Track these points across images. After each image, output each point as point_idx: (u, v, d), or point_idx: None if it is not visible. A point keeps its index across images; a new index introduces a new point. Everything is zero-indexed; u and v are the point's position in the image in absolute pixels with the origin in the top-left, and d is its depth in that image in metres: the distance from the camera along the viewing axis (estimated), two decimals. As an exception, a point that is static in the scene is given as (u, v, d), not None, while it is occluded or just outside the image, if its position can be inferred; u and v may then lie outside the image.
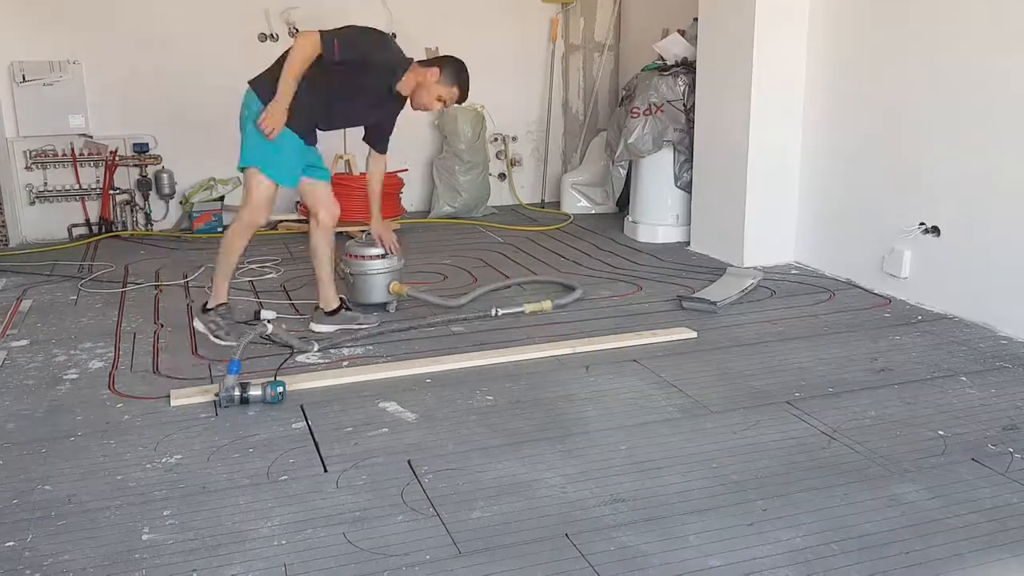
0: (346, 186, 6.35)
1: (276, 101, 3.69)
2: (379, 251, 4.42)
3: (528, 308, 4.41)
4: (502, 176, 7.58)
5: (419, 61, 4.01)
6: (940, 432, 3.06)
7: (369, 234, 4.48)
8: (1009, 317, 4.06)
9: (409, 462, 2.87)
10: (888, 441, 2.99)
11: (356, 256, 4.43)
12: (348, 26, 3.87)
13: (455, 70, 3.94)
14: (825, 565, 2.28)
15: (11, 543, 2.42)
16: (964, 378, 3.56)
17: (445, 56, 4.05)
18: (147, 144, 6.47)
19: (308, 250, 4.22)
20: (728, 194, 5.41)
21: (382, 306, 4.47)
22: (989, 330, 4.12)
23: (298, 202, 6.72)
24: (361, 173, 6.46)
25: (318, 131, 4.04)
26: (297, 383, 3.48)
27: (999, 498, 2.61)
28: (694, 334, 4.08)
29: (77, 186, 6.39)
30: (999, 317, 4.11)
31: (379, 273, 4.42)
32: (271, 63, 3.84)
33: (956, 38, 4.23)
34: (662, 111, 5.88)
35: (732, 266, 5.24)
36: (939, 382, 3.52)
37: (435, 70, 3.91)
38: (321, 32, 3.70)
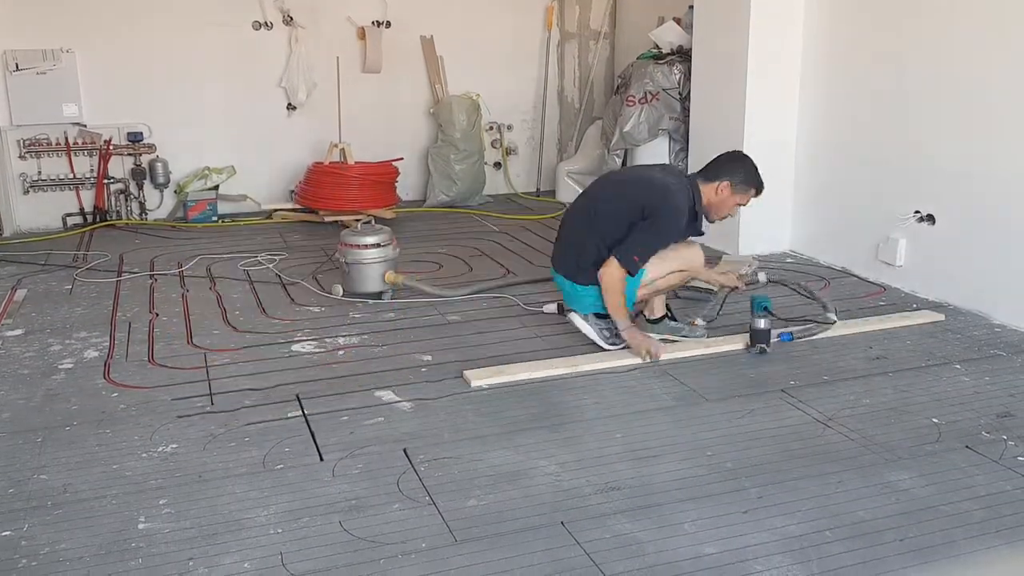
0: (341, 175, 6.33)
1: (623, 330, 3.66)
2: (374, 240, 4.41)
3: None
4: (497, 165, 7.56)
5: (699, 175, 3.73)
6: (934, 420, 3.07)
7: (367, 223, 4.43)
8: (1003, 305, 4.07)
9: (405, 451, 2.87)
10: (883, 429, 3.00)
11: (351, 245, 4.42)
12: (650, 231, 3.61)
13: (744, 175, 3.69)
14: (819, 552, 2.29)
15: (7, 532, 2.42)
16: (958, 366, 3.57)
17: (723, 160, 3.76)
18: (141, 133, 6.43)
19: None
20: (724, 182, 5.40)
21: (378, 295, 4.47)
22: (983, 318, 4.12)
23: (292, 191, 6.71)
24: (356, 162, 6.46)
25: None
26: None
27: (993, 485, 2.62)
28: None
29: (71, 175, 6.36)
30: (993, 305, 4.12)
31: (374, 262, 4.42)
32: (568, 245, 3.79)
33: (953, 26, 4.22)
34: (658, 99, 5.87)
35: (727, 254, 5.25)
36: (934, 370, 3.53)
37: (725, 184, 3.66)
38: (618, 257, 3.57)
